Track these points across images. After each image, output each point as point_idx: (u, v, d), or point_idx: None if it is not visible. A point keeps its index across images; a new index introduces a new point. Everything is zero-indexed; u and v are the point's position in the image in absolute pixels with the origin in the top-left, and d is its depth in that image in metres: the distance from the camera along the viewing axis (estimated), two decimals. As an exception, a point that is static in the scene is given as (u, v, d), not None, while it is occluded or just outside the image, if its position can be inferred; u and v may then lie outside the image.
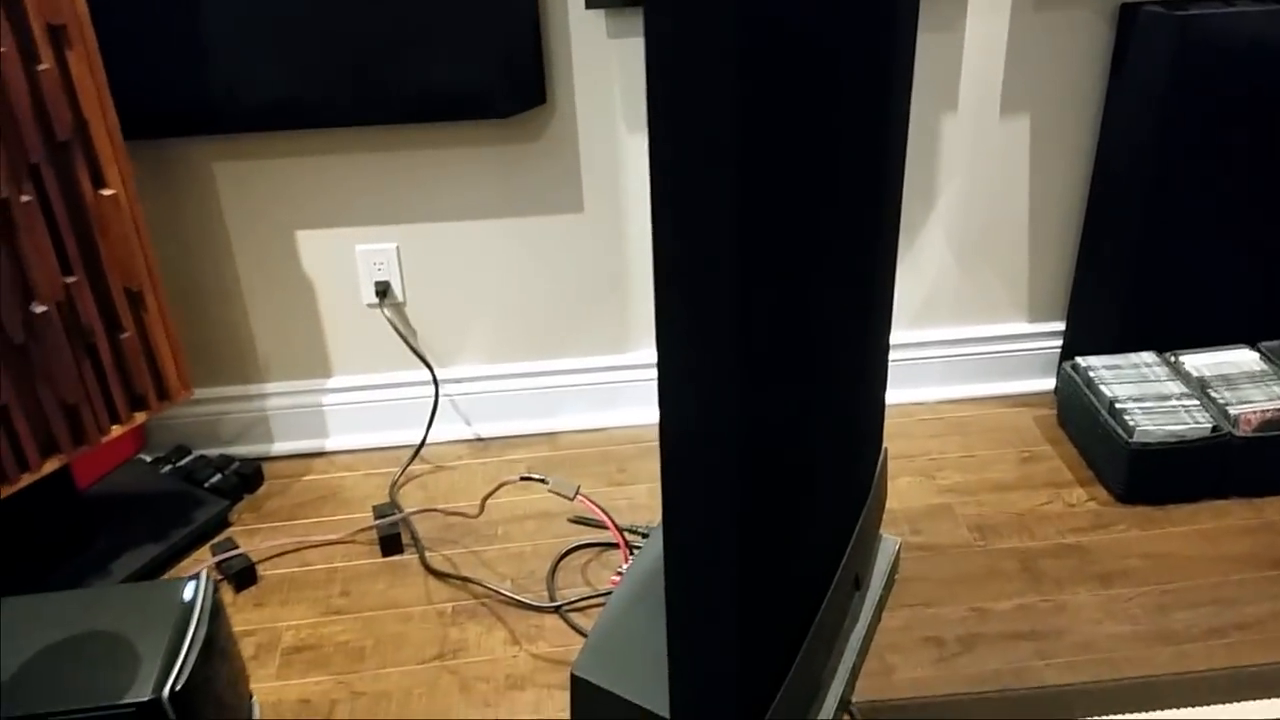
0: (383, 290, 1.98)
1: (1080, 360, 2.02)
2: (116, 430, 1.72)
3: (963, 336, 2.15)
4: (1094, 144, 1.96)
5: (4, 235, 1.48)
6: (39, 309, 1.54)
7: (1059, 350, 2.17)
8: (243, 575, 1.81)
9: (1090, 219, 2.02)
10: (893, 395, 2.17)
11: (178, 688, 0.97)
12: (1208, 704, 1.51)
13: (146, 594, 1.09)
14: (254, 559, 1.84)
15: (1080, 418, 2.00)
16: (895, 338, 2.13)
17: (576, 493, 1.64)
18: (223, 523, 1.94)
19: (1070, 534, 1.83)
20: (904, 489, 1.96)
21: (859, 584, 1.59)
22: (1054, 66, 1.89)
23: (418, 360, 2.03)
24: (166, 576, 1.82)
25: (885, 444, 1.71)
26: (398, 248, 1.96)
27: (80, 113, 1.52)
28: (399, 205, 1.92)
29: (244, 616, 1.75)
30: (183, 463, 2.05)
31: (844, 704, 1.51)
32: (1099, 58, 1.89)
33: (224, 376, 2.06)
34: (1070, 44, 1.88)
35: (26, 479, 1.62)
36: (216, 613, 1.09)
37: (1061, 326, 2.15)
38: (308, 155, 1.86)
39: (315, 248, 1.95)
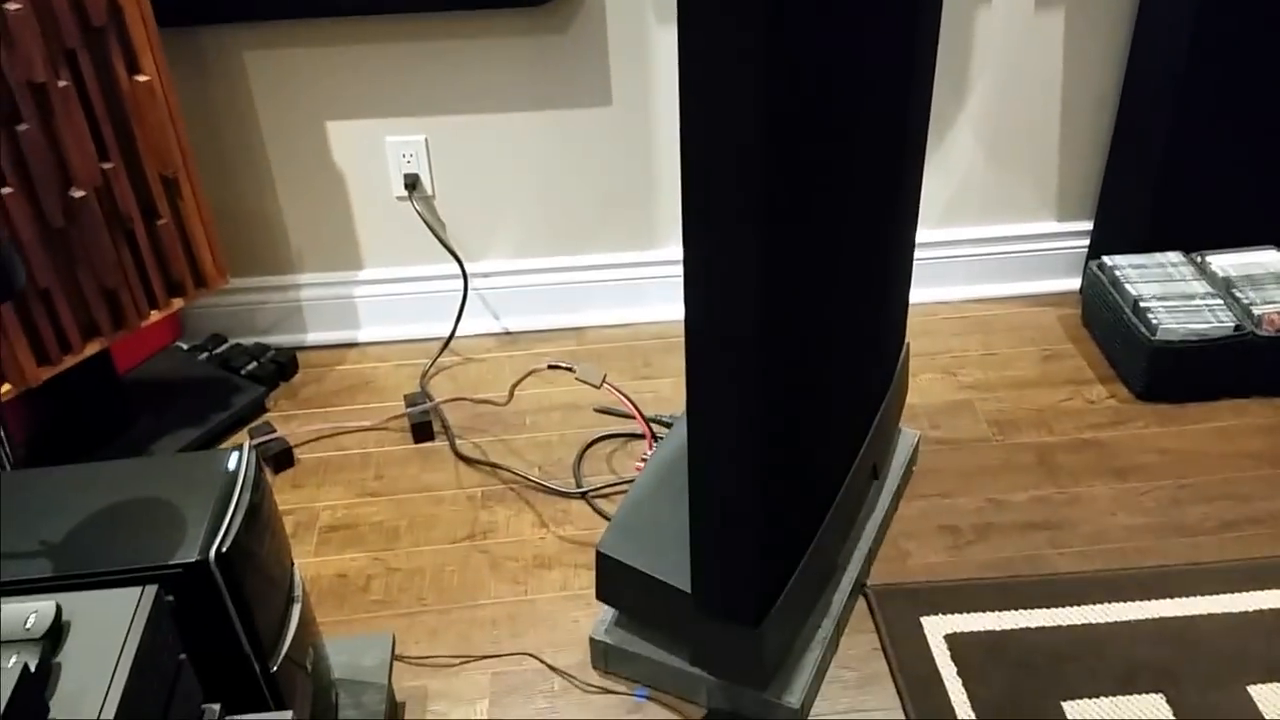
0: (412, 183, 2.00)
1: (1106, 259, 2.02)
2: (155, 315, 1.77)
3: (990, 235, 2.15)
4: (1128, 40, 1.93)
5: (42, 120, 1.51)
6: (77, 194, 1.58)
7: (1086, 250, 2.16)
8: (280, 458, 1.87)
9: (1121, 117, 2.00)
10: (918, 294, 2.18)
11: (224, 550, 1.03)
12: (1218, 594, 1.55)
13: (192, 464, 1.14)
14: (291, 443, 1.90)
15: (1104, 316, 2.01)
16: (922, 236, 2.13)
17: (603, 380, 1.68)
18: (260, 408, 2.00)
19: (1088, 429, 1.86)
20: (925, 385, 1.98)
21: (876, 473, 1.63)
22: (1092, -42, 1.86)
23: (447, 254, 2.06)
24: (206, 459, 1.88)
25: (908, 341, 1.73)
26: (426, 139, 1.97)
27: (114, -1, 1.54)
28: (428, 97, 1.93)
29: (282, 497, 1.81)
30: (219, 350, 2.10)
31: (859, 586, 1.56)
32: (1138, -51, 1.85)
33: (259, 266, 2.10)
34: (1109, -65, 1.85)
35: (69, 360, 1.67)
36: (259, 483, 1.14)
37: (1089, 226, 2.14)
38: (338, 45, 1.87)
39: (346, 139, 1.97)
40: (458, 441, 1.90)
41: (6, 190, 1.50)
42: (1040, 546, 1.64)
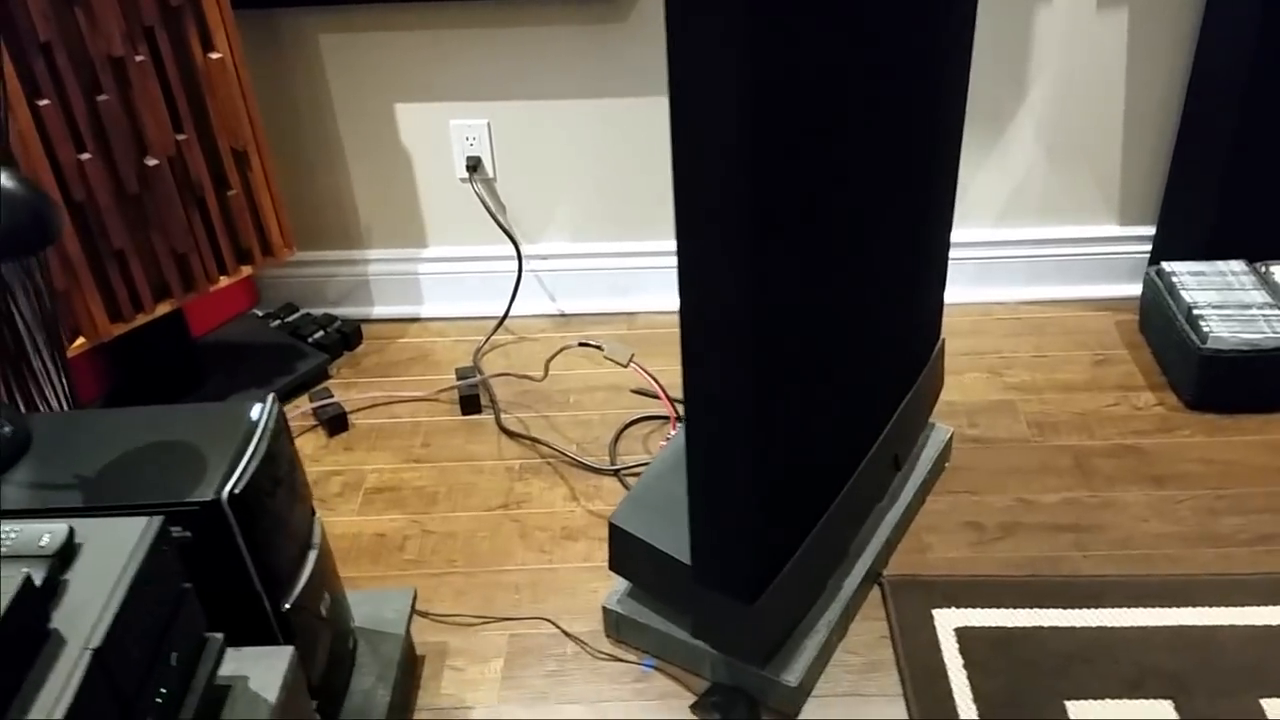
0: (474, 165, 2.08)
1: (1166, 265, 1.99)
2: (224, 280, 1.88)
3: (1049, 237, 2.13)
4: (1194, 42, 1.89)
5: (120, 92, 1.62)
6: (152, 162, 1.69)
7: (1148, 255, 2.12)
8: (335, 422, 1.97)
9: (1186, 120, 1.96)
10: (973, 294, 2.17)
11: (237, 491, 1.10)
12: (1242, 605, 1.53)
13: (218, 412, 1.22)
14: (347, 408, 1.99)
15: (1159, 323, 1.97)
16: (978, 235, 2.13)
17: (630, 360, 1.73)
18: (322, 374, 2.10)
19: (1131, 435, 1.83)
20: (969, 384, 1.98)
21: (899, 465, 1.64)
22: (1158, -43, 1.84)
23: (506, 235, 2.13)
24: (268, 419, 1.99)
25: (943, 336, 1.73)
26: (489, 124, 2.04)
27: (191, -21, 1.64)
28: (492, 82, 2.00)
29: (334, 458, 1.91)
30: (290, 319, 2.21)
31: (874, 575, 1.58)
32: (1206, -51, 1.82)
33: (330, 241, 2.20)
34: (1178, -66, 1.81)
35: (140, 318, 1.78)
36: (279, 433, 1.22)
37: (1152, 231, 2.11)
38: (406, 30, 1.95)
39: (412, 120, 2.05)
40: (502, 415, 1.97)
41: (85, 156, 1.61)
42: (1065, 548, 1.63)
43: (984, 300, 2.18)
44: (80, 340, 1.72)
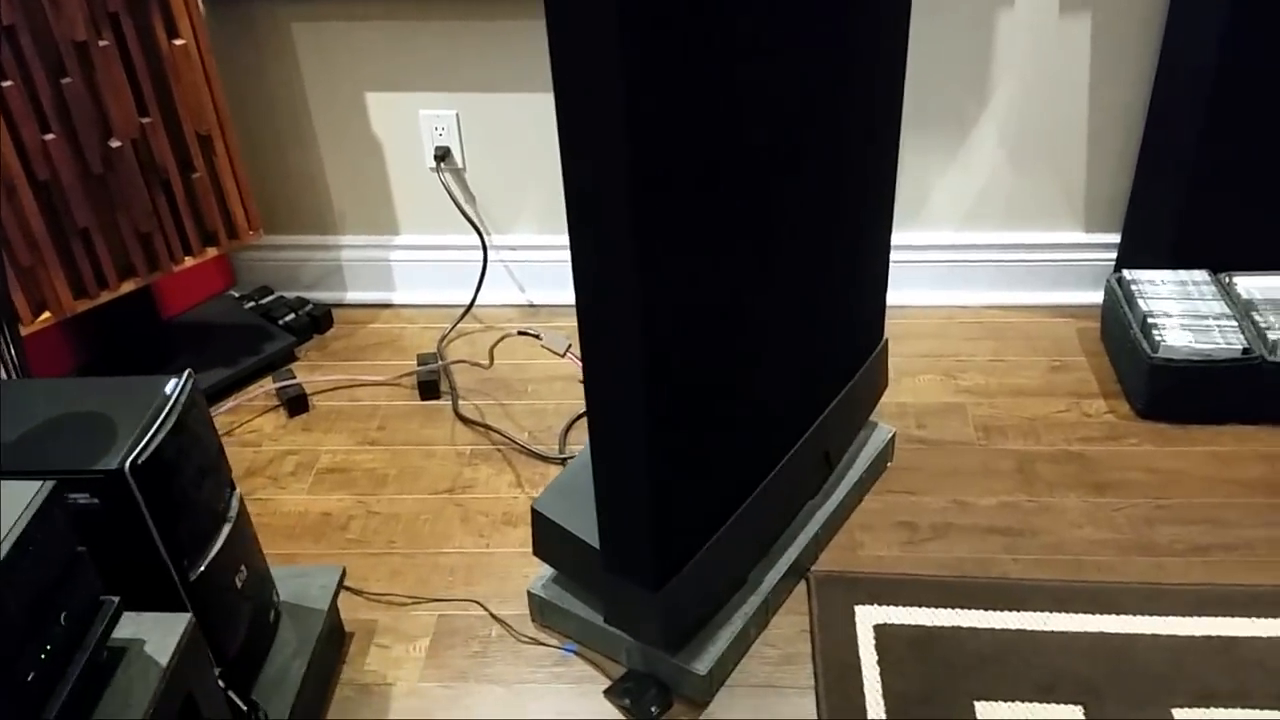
0: (442, 155, 2.11)
1: (1126, 273, 1.98)
2: (189, 261, 1.92)
3: (1014, 242, 2.13)
4: (1159, 48, 1.88)
5: (85, 75, 1.67)
6: (115, 144, 1.73)
7: (1114, 263, 2.12)
8: (295, 402, 2.01)
9: (1150, 128, 1.96)
10: (936, 297, 2.18)
11: (140, 461, 1.14)
12: (1165, 615, 1.53)
13: (135, 386, 1.26)
14: (309, 390, 2.03)
15: (1116, 331, 1.97)
16: (941, 239, 2.13)
17: (567, 350, 1.76)
18: (289, 356, 2.14)
19: (1078, 442, 1.83)
20: (921, 386, 1.98)
21: (830, 462, 1.65)
22: (1119, -36, 1.83)
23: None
24: (233, 399, 2.04)
25: (886, 338, 1.74)
26: (458, 115, 2.07)
27: (155, -33, 1.68)
28: (461, 74, 2.03)
29: (291, 438, 1.95)
30: (264, 301, 2.25)
31: (801, 569, 1.59)
32: (1167, -43, 1.81)
33: (304, 226, 2.25)
34: (1142, -59, 1.81)
35: (106, 296, 1.83)
36: (191, 408, 1.26)
37: (1117, 239, 2.10)
38: (377, 20, 1.98)
39: (383, 109, 2.09)
40: (460, 402, 2.00)
41: (50, 136, 1.66)
42: (995, 551, 1.64)
43: (947, 304, 2.18)
44: (45, 315, 1.77)
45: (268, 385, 2.05)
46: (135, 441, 1.16)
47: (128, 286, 1.86)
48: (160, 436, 1.17)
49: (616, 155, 1.00)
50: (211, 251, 1.94)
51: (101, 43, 1.66)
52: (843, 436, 1.68)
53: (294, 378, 2.04)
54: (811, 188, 1.34)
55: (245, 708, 1.29)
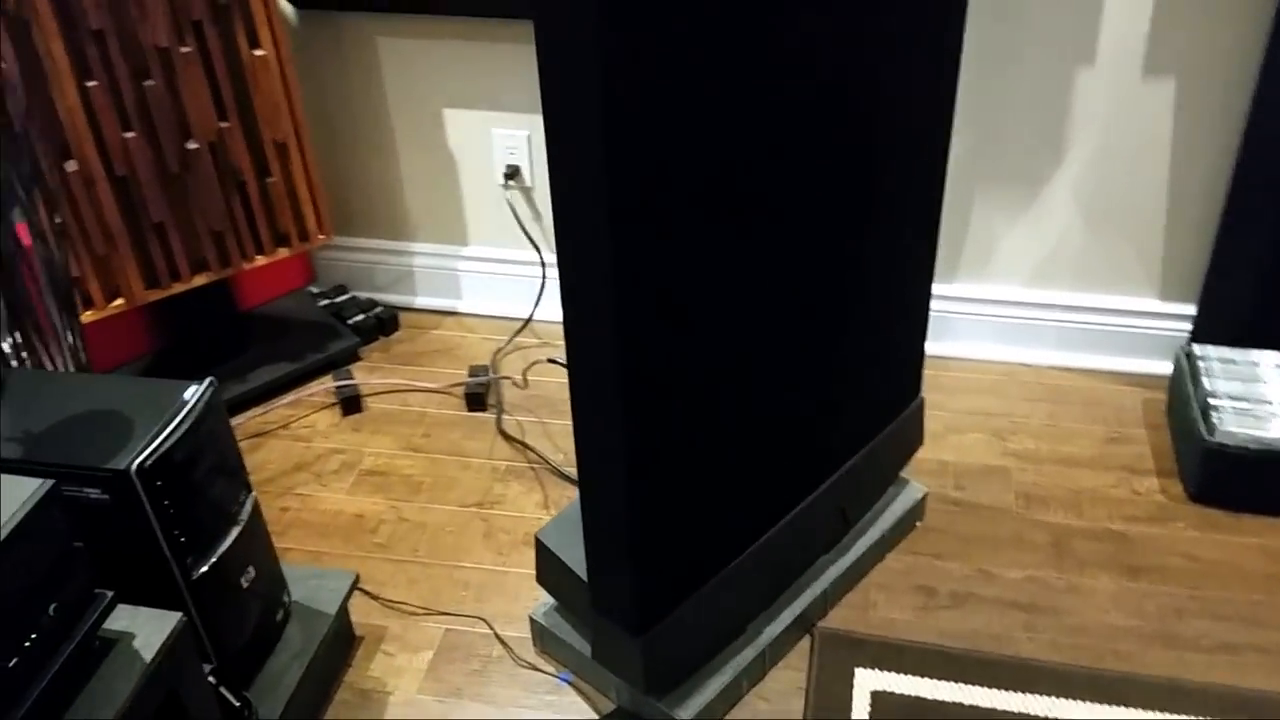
0: (512, 173, 2.15)
1: (1196, 348, 1.90)
2: (260, 260, 2.00)
3: (1083, 304, 2.05)
4: (1245, 119, 1.80)
5: (167, 79, 1.76)
6: (193, 145, 1.82)
7: (1188, 335, 2.03)
8: (350, 403, 2.08)
9: (1233, 199, 1.87)
10: (997, 352, 2.12)
11: (146, 464, 1.20)
12: (1176, 713, 1.46)
13: (158, 389, 1.32)
14: (364, 391, 2.10)
15: (1178, 407, 1.89)
16: (1008, 294, 2.07)
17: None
18: (352, 356, 2.22)
19: (1121, 520, 1.77)
20: (967, 444, 1.94)
21: (847, 519, 1.63)
22: (1209, 28, 1.75)
23: (544, 241, 2.20)
24: (294, 393, 2.12)
25: (922, 395, 1.71)
26: (529, 136, 2.11)
27: (241, -20, 1.76)
28: (535, 96, 2.06)
29: (341, 437, 2.02)
30: (337, 300, 2.33)
31: (805, 623, 1.58)
32: (1260, 22, 1.72)
33: (380, 230, 2.32)
34: (1228, 4, 1.72)
35: (178, 288, 1.93)
36: (208, 414, 1.31)
37: (1194, 310, 2.01)
38: (457, 39, 2.03)
39: (459, 125, 2.14)
40: (504, 417, 2.04)
41: (130, 135, 1.76)
42: (1013, 628, 1.60)
43: (1007, 360, 2.12)
44: (119, 301, 1.87)
45: (328, 383, 2.13)
46: (146, 444, 1.22)
47: (199, 280, 1.95)
48: (171, 441, 1.24)
49: (597, 185, 1.01)
50: (283, 252, 2.02)
51: (184, 49, 1.75)
52: (863, 494, 1.66)
53: (352, 378, 2.11)
54: (829, 234, 1.33)
55: (237, 704, 1.35)
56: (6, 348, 1.53)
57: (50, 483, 1.08)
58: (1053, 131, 1.90)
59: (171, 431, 1.24)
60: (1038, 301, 2.07)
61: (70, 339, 1.61)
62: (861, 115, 1.28)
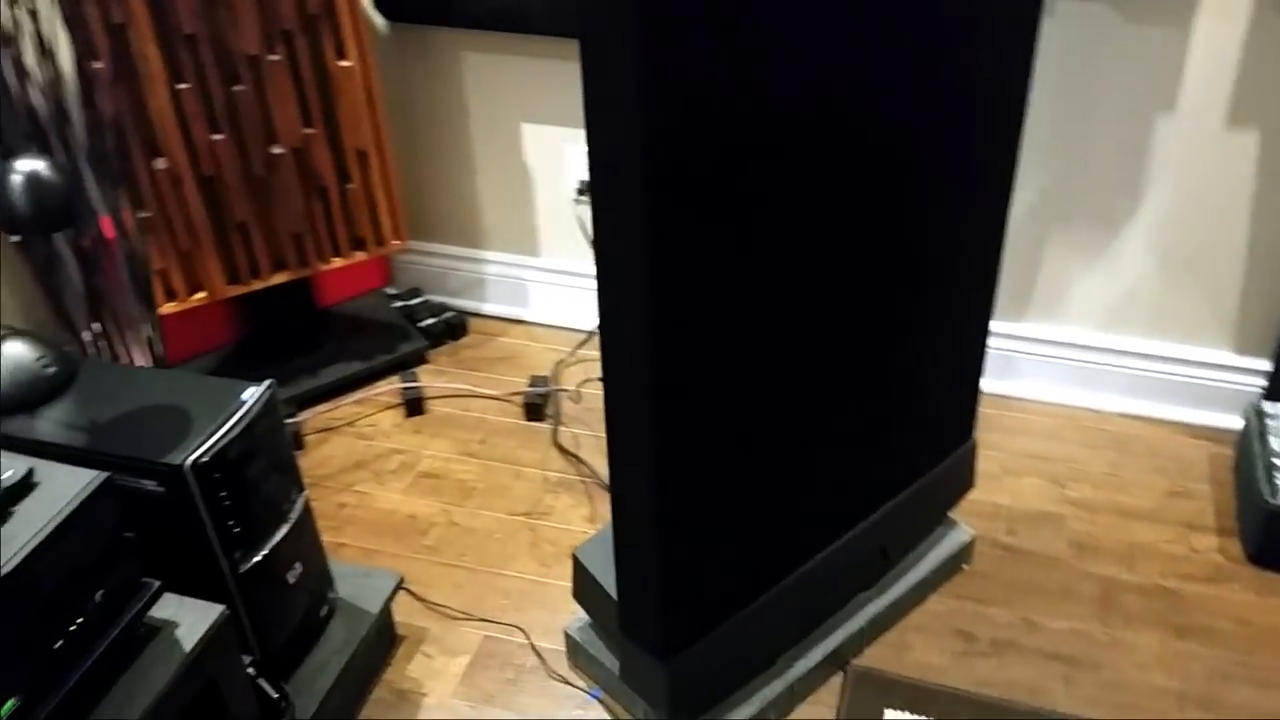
0: (584, 188, 2.18)
1: (1267, 405, 1.85)
2: (337, 262, 2.07)
3: (1155, 352, 2.01)
4: (1333, 173, 1.75)
5: (255, 86, 1.83)
6: (277, 150, 1.89)
7: (1262, 391, 1.97)
8: (414, 404, 2.13)
9: (1316, 256, 1.81)
10: (1063, 395, 2.09)
11: (200, 461, 1.26)
12: (1217, 783, 1.43)
13: (219, 388, 1.38)
14: (427, 394, 2.15)
15: (1244, 465, 1.84)
16: (1078, 336, 2.04)
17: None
18: (420, 359, 2.27)
19: (1174, 578, 1.73)
20: (1023, 488, 1.91)
21: (888, 558, 1.62)
22: (1298, 81, 1.70)
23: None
24: (362, 391, 2.18)
25: (974, 437, 1.69)
26: (603, 152, 2.14)
27: (330, -6, 1.82)
28: (612, 114, 2.09)
29: (402, 438, 2.07)
30: (412, 302, 2.40)
31: (839, 659, 1.58)
32: (1353, 79, 1.67)
33: (455, 237, 2.37)
34: (1329, 58, 1.68)
35: (257, 284, 2.00)
36: (264, 416, 1.37)
37: (1269, 366, 1.95)
38: (536, 57, 2.07)
39: (535, 140, 2.18)
40: (560, 429, 2.07)
41: (218, 137, 1.83)
42: (1050, 680, 1.57)
43: (1073, 404, 2.08)
44: (200, 294, 1.95)
45: (395, 384, 2.19)
46: (202, 441, 1.28)
47: (278, 278, 2.02)
48: (226, 439, 1.29)
49: (634, 198, 1.03)
50: (359, 255, 2.09)
51: (273, 57, 1.81)
52: (907, 534, 1.65)
53: (418, 380, 2.17)
54: (880, 269, 1.32)
55: (274, 696, 1.40)
56: (86, 337, 1.62)
57: (104, 475, 1.13)
58: (1131, 176, 1.86)
59: (228, 430, 1.30)
60: (1108, 347, 2.03)
61: (148, 330, 1.69)
62: (921, 152, 1.28)
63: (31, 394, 1.36)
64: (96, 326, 1.64)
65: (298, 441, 2.05)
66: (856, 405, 1.41)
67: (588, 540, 1.53)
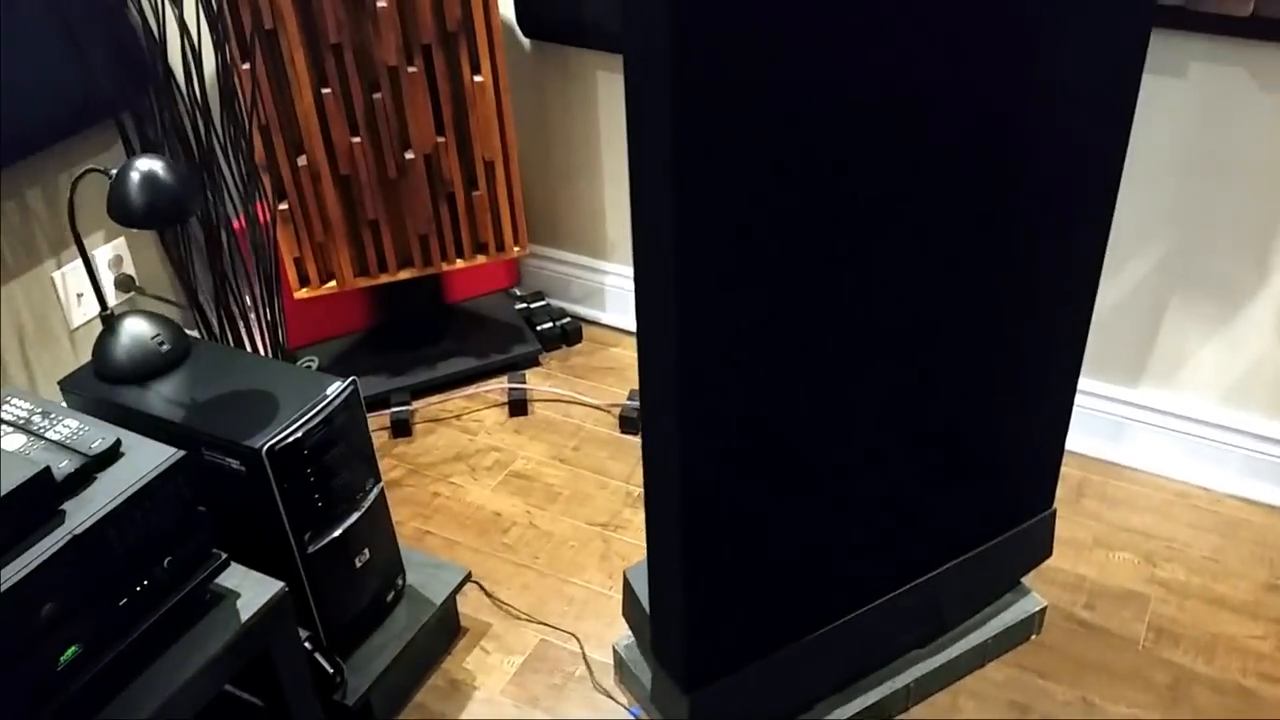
0: (703, 212, 2.22)
1: (1392, 508, 1.72)
2: (460, 263, 2.17)
3: (1276, 435, 1.90)
4: None
5: (393, 94, 1.94)
6: (410, 156, 2.00)
7: (1394, 491, 1.84)
8: (517, 405, 2.22)
9: None
10: (1175, 468, 1.99)
11: (276, 448, 1.37)
12: None
13: (309, 379, 1.48)
14: (532, 397, 2.24)
15: (1357, 569, 1.72)
16: (1195, 409, 1.94)
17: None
18: (532, 361, 2.36)
19: (1254, 677, 1.64)
20: (1113, 563, 1.84)
21: (943, 619, 1.60)
22: None
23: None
24: (474, 387, 2.29)
25: (1054, 507, 1.64)
26: (724, 178, 2.17)
27: (470, 13, 1.91)
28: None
29: (502, 436, 2.16)
30: (534, 305, 2.48)
31: (880, 714, 1.57)
32: None
33: (580, 246, 2.45)
34: None
35: (384, 278, 2.13)
36: (345, 409, 1.46)
37: (1404, 465, 1.82)
38: (668, 80, 2.12)
39: (661, 160, 2.23)
40: (653, 445, 2.12)
41: (356, 140, 1.95)
42: (1099, 765, 1.53)
43: (1185, 479, 1.99)
44: (331, 283, 2.09)
45: (504, 383, 2.28)
46: (282, 428, 1.38)
47: (404, 274, 2.14)
48: (303, 429, 1.40)
49: (663, 224, 1.07)
50: (480, 259, 2.19)
51: (411, 69, 1.92)
52: (967, 598, 1.62)
53: (525, 382, 2.25)
54: (947, 314, 1.30)
55: (329, 670, 1.50)
56: (213, 320, 1.76)
57: (181, 454, 1.24)
58: (1259, 250, 1.77)
59: (305, 421, 1.40)
60: (1227, 424, 1.93)
61: (269, 316, 1.82)
62: (994, 191, 1.26)
63: (144, 368, 1.49)
64: (223, 311, 1.78)
65: (406, 429, 2.17)
66: (909, 459, 1.40)
67: (640, 561, 1.57)
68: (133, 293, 2.15)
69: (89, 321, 1.95)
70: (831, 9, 1.01)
